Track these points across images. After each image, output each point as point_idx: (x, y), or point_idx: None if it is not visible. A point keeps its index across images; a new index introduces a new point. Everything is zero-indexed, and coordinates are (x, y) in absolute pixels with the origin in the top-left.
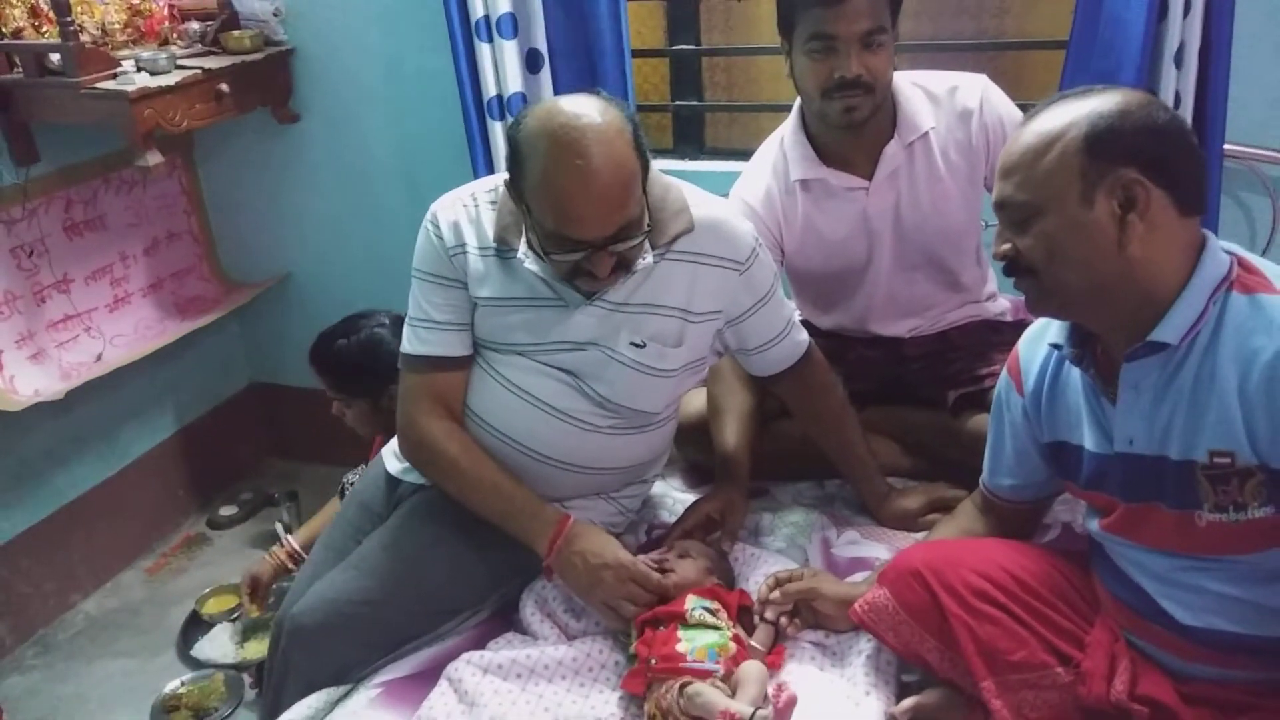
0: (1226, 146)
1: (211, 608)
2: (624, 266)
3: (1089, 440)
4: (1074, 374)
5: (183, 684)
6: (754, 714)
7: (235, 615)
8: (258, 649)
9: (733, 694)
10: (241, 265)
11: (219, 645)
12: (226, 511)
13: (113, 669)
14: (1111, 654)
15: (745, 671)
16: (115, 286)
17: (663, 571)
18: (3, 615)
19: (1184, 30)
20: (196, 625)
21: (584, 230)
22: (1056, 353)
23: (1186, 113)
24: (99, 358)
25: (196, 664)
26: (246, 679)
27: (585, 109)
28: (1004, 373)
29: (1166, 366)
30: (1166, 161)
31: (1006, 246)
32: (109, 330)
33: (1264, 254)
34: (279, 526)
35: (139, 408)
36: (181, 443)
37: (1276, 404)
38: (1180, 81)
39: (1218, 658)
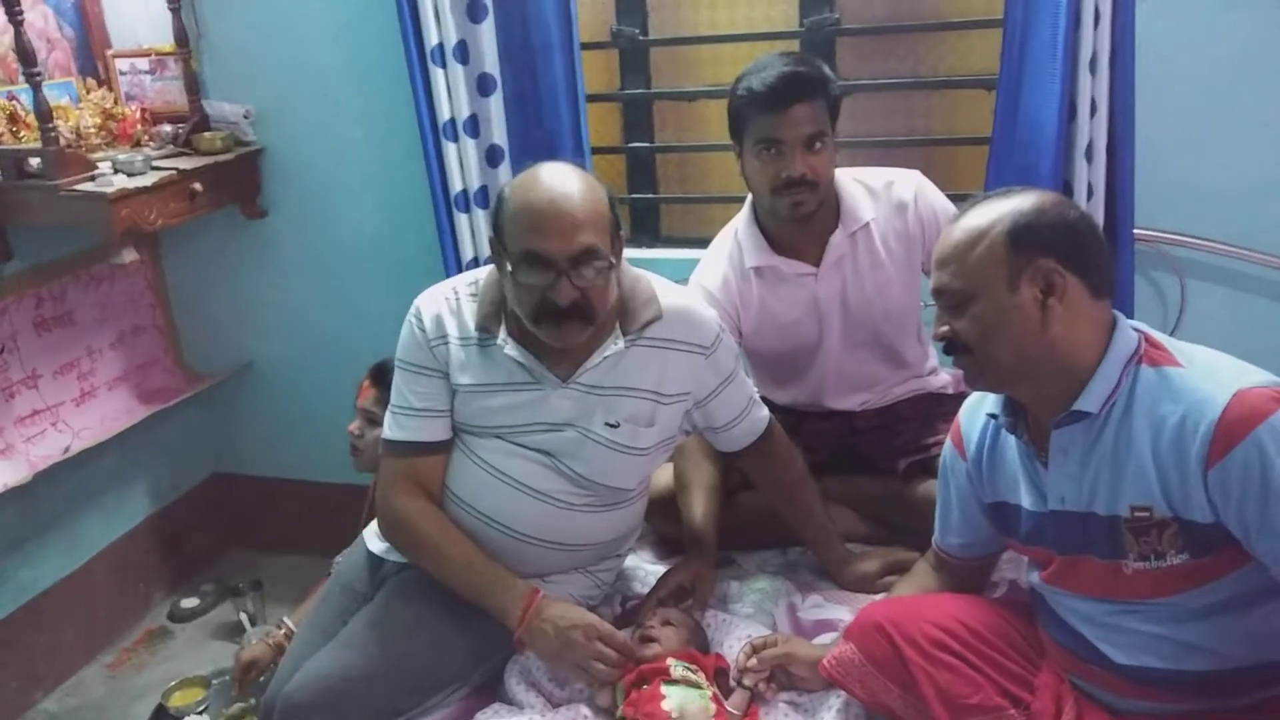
0: (1136, 230)
1: (178, 700)
2: (586, 314)
3: (1026, 500)
4: (1010, 440)
5: None
6: None
7: (203, 708)
8: None
9: None
10: (205, 357)
11: None
12: (188, 603)
13: None
14: (1058, 695)
15: (687, 710)
16: (82, 380)
17: (649, 640)
18: None
19: (1091, 129)
20: (163, 719)
21: (550, 241)
22: (993, 422)
23: (1098, 201)
24: (66, 450)
25: None
26: None
27: (565, 166)
28: (948, 441)
29: (1089, 432)
30: (1079, 252)
31: (945, 328)
32: (76, 423)
33: (1175, 325)
34: (243, 617)
35: (101, 500)
36: (143, 535)
37: (1184, 462)
38: (1091, 174)
39: (1151, 693)
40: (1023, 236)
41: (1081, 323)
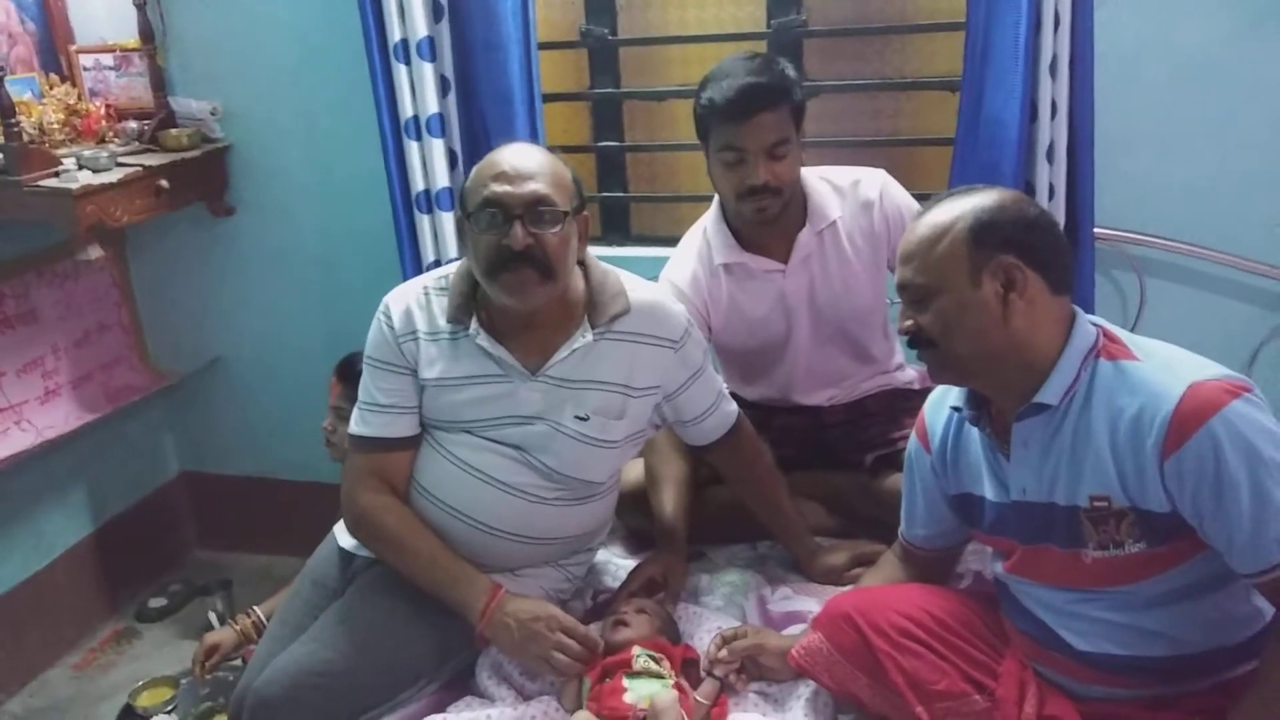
0: (1096, 230)
1: (146, 700)
2: (542, 266)
3: (989, 491)
4: (973, 433)
5: None
6: None
7: (171, 708)
8: None
9: None
10: (172, 354)
11: None
12: (155, 604)
13: None
14: (1021, 681)
15: (657, 703)
16: (46, 379)
17: (622, 625)
18: None
19: (1052, 130)
20: (130, 718)
21: (505, 185)
22: (957, 415)
23: (1059, 200)
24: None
25: None
26: None
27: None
28: (913, 435)
29: (1050, 424)
30: (1038, 248)
31: (909, 323)
32: (40, 422)
33: (1135, 322)
34: (212, 616)
35: (67, 499)
36: (110, 534)
37: (1140, 453)
38: (1052, 174)
39: (1109, 679)
40: (984, 233)
41: (1041, 317)
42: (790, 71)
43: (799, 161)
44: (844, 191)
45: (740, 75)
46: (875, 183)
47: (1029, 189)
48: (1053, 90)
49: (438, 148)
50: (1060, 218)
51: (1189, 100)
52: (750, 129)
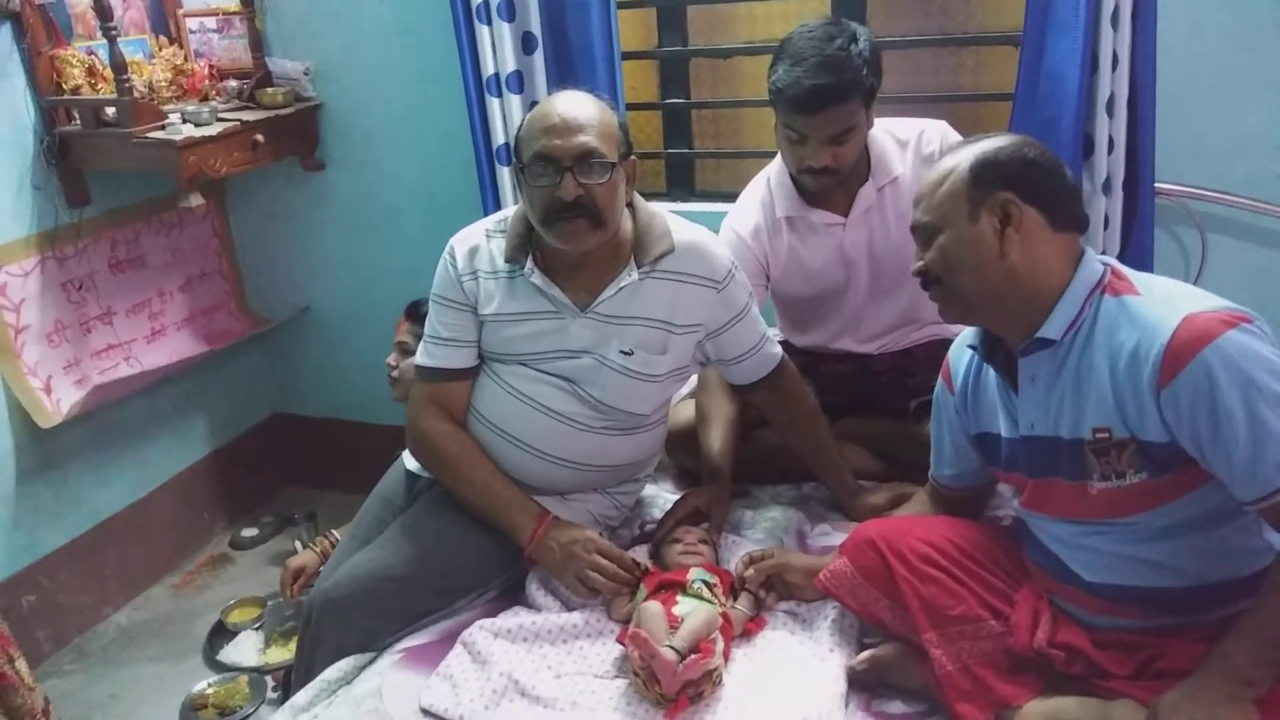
0: (1158, 185)
1: (236, 617)
2: (592, 215)
3: (1003, 428)
4: (990, 373)
5: (209, 685)
6: (662, 653)
7: (259, 624)
8: (279, 654)
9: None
10: (266, 302)
11: (243, 650)
12: (248, 533)
13: (144, 673)
14: (1035, 610)
15: (693, 614)
16: (153, 320)
17: (696, 552)
18: (43, 624)
19: (1113, 82)
20: (221, 634)
21: (555, 139)
22: (975, 355)
23: (1119, 155)
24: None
25: (222, 668)
26: (269, 680)
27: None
28: (940, 377)
29: (1055, 359)
30: (1036, 186)
31: (919, 263)
32: (146, 360)
33: (1196, 280)
34: (298, 545)
35: (171, 433)
36: (208, 468)
37: (1139, 385)
38: (1112, 127)
39: (1119, 609)
40: (983, 172)
41: (1041, 253)
42: (865, 52)
43: (863, 140)
44: (906, 144)
45: (811, 68)
46: (936, 135)
47: (1088, 142)
48: (1114, 41)
49: (516, 103)
50: (1120, 172)
51: (1254, 52)
52: (813, 122)
